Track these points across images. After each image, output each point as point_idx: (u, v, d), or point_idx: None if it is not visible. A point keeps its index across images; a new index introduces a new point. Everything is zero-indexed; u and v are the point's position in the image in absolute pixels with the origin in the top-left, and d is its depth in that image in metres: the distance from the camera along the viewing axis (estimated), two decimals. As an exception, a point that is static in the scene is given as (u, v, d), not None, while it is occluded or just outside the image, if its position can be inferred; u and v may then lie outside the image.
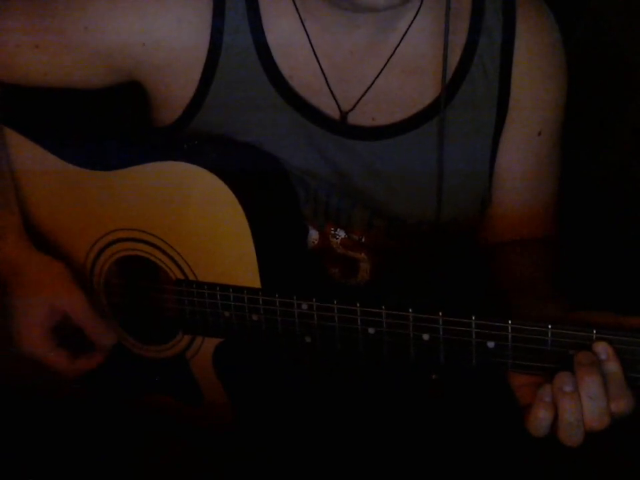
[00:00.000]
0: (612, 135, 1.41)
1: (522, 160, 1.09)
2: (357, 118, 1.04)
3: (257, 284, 0.96)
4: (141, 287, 1.04)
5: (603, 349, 0.80)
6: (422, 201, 1.06)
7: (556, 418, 0.81)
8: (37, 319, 0.97)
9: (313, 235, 1.08)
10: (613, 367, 0.80)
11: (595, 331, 0.78)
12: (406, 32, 1.01)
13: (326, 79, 1.02)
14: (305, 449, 1.07)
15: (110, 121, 1.13)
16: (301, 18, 1.00)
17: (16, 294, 0.99)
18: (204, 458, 1.07)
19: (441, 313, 0.85)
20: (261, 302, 0.95)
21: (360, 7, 0.91)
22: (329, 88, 1.03)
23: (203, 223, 0.97)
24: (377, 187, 1.05)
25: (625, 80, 1.38)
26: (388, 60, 1.02)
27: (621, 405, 0.80)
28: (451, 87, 1.03)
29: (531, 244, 1.11)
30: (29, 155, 1.05)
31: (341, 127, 1.04)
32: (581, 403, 0.79)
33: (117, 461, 1.07)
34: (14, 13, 1.01)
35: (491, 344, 0.84)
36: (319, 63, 1.02)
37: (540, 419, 0.81)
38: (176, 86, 1.03)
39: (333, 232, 1.08)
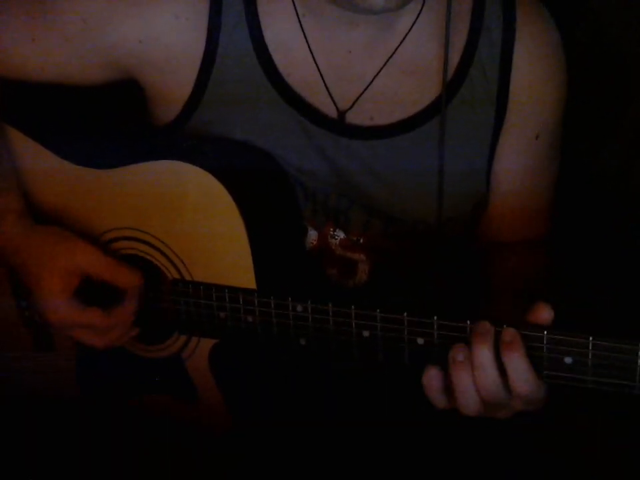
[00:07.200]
0: (612, 135, 1.41)
1: (519, 162, 1.08)
2: (356, 117, 1.04)
3: (252, 285, 0.96)
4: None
5: (510, 333, 0.80)
6: (420, 201, 1.05)
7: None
8: (56, 287, 0.96)
9: (312, 235, 1.08)
10: (515, 352, 0.80)
11: (591, 338, 0.78)
12: (408, 32, 1.01)
13: (322, 77, 1.02)
14: (300, 450, 1.07)
15: (108, 120, 1.12)
16: (298, 15, 1.00)
17: (27, 272, 0.98)
18: (200, 459, 1.07)
19: (435, 317, 0.85)
20: (256, 303, 0.95)
21: (357, 9, 0.90)
22: (326, 86, 1.02)
23: (199, 223, 0.97)
24: (376, 187, 1.05)
25: (625, 80, 1.38)
26: (387, 60, 1.02)
27: (523, 387, 0.80)
28: (451, 87, 1.02)
29: (519, 248, 1.12)
30: (27, 153, 1.04)
31: (338, 125, 1.03)
32: (472, 373, 0.81)
33: (115, 462, 1.07)
34: (11, 5, 1.00)
35: (486, 349, 0.83)
36: (315, 61, 1.01)
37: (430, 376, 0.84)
38: (173, 84, 1.03)
39: (332, 232, 1.07)
